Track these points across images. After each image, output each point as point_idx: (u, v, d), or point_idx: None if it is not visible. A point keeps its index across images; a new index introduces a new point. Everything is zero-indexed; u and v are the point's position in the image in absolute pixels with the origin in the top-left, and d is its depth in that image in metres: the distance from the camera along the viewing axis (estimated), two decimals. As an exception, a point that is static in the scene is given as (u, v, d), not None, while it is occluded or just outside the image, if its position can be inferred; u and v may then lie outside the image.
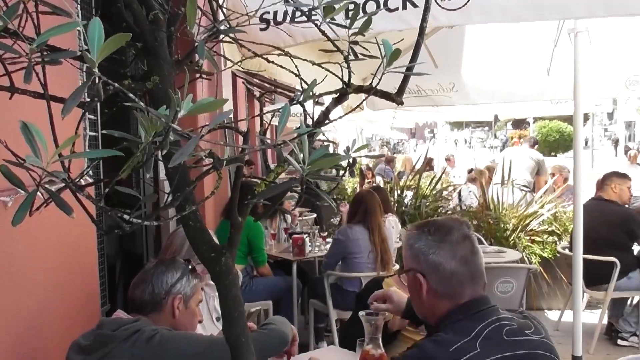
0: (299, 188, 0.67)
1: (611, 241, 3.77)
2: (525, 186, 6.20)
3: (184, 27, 0.73)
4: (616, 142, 30.71)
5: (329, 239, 4.07)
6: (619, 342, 3.88)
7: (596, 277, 3.77)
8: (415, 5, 2.17)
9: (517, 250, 4.37)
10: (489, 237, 4.61)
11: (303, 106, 0.77)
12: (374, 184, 6.75)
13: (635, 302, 4.00)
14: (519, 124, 31.26)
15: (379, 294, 1.60)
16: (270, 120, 4.27)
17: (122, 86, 0.60)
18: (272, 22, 2.29)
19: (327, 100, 0.80)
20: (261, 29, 2.33)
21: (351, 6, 1.00)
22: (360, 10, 2.04)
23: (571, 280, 3.33)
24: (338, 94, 0.78)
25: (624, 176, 4.06)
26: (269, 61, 0.95)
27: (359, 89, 0.79)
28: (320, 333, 3.86)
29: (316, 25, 0.79)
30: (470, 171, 7.96)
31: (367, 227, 3.39)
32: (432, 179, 5.90)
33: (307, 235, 3.97)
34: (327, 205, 5.42)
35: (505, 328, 1.16)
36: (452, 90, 4.59)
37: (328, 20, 0.73)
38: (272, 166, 5.15)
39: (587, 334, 3.46)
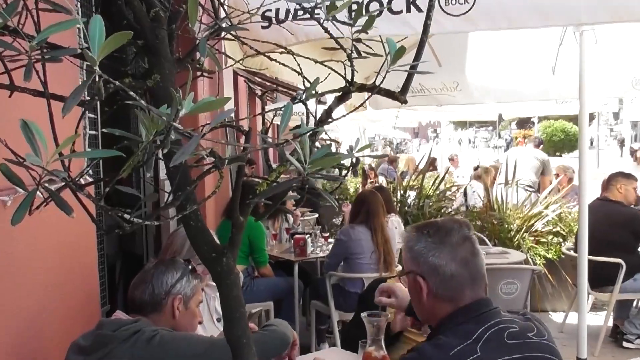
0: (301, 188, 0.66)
1: (617, 242, 3.74)
2: (530, 186, 6.17)
3: (185, 24, 0.72)
4: (622, 142, 30.55)
5: (331, 240, 4.06)
6: (625, 344, 3.85)
7: (601, 278, 3.75)
8: (419, 9, 2.15)
9: (522, 251, 4.34)
10: (493, 238, 4.58)
11: (305, 105, 0.77)
12: (377, 184, 6.74)
13: (641, 304, 3.99)
14: (524, 123, 31.11)
15: (384, 287, 1.59)
16: (272, 119, 4.25)
17: (123, 84, 0.59)
18: (274, 20, 2.28)
19: (330, 99, 0.79)
20: (263, 27, 2.32)
21: (354, 6, 0.99)
22: (363, 10, 2.02)
23: (576, 281, 3.31)
24: (341, 93, 0.77)
25: (629, 176, 4.03)
26: (271, 59, 0.94)
27: (362, 88, 0.78)
28: (322, 334, 3.84)
29: (319, 22, 0.78)
30: (476, 168, 7.82)
31: (370, 228, 3.37)
32: (436, 179, 5.87)
33: (309, 235, 3.95)
34: (329, 206, 5.41)
35: (507, 331, 1.14)
36: (455, 90, 4.57)
37: (331, 18, 0.73)
38: (274, 165, 5.14)
39: (592, 336, 3.43)
